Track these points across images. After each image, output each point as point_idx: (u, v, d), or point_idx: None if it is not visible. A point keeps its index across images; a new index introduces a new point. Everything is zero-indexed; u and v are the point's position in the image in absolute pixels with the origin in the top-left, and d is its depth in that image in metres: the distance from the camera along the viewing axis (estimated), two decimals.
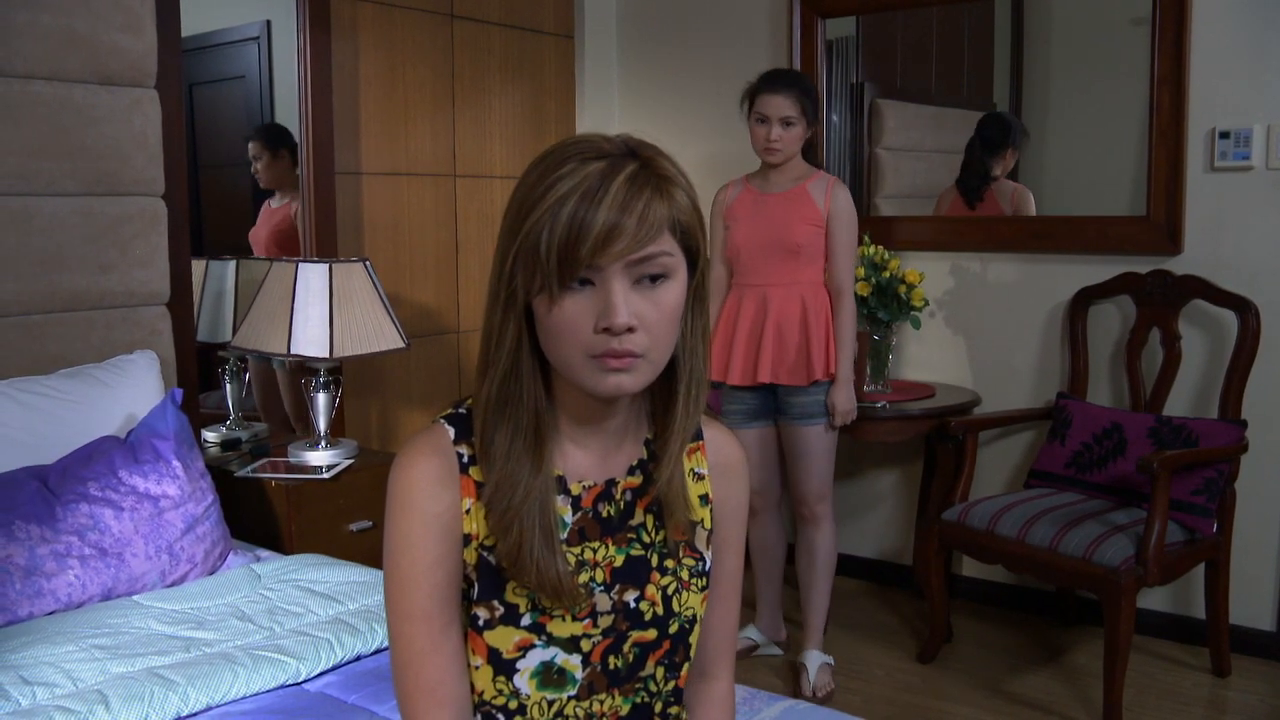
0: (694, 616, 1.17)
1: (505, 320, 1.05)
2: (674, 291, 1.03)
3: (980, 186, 3.62)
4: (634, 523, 1.14)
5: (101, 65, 2.59)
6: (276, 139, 3.29)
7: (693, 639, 1.18)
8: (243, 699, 1.83)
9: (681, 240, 1.04)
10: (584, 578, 1.10)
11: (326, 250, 3.28)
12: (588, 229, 0.97)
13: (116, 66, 2.62)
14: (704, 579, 1.17)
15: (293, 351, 2.71)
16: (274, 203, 3.32)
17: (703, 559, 1.17)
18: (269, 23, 3.33)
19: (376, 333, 2.82)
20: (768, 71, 3.08)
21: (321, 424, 2.89)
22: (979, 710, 2.95)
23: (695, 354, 1.10)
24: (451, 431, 1.10)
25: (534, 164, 1.04)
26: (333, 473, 2.76)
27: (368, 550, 2.74)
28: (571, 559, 1.10)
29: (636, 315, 1.01)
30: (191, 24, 2.86)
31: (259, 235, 3.30)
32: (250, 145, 3.25)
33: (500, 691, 1.11)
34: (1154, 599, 3.35)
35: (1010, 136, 3.60)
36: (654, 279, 1.02)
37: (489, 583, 1.09)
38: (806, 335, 2.98)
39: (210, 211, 3.30)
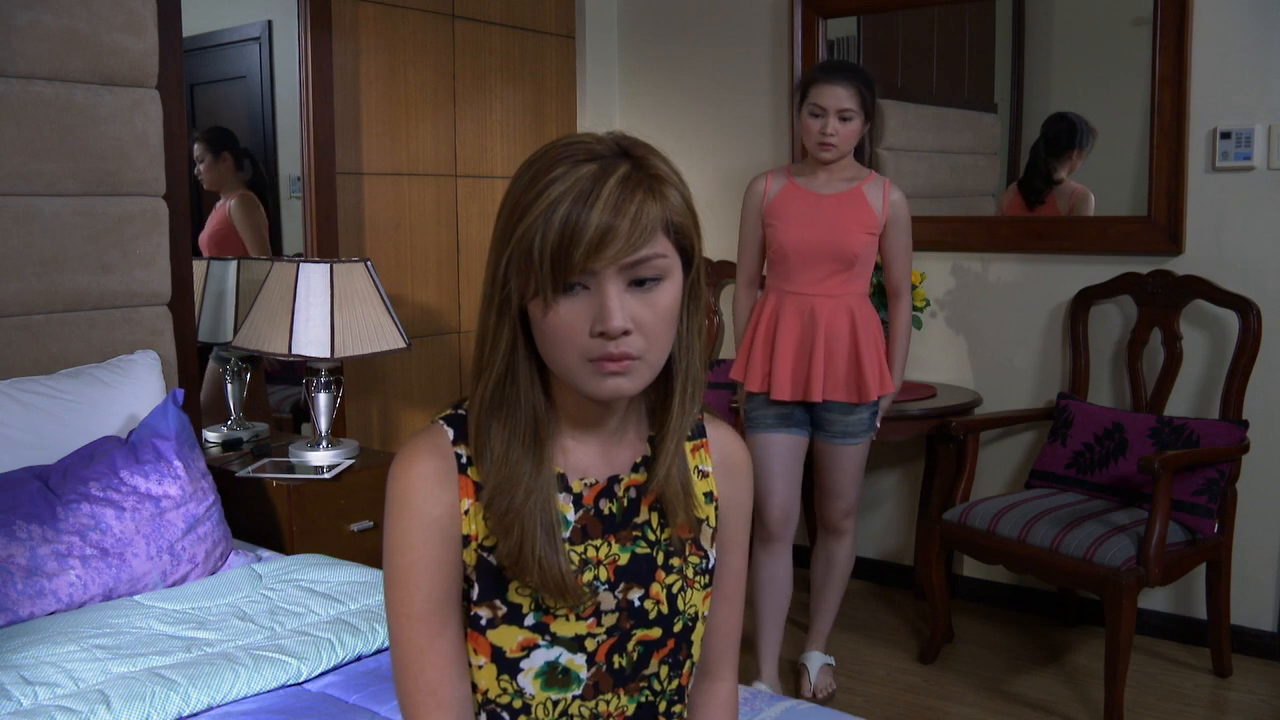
0: (697, 614, 1.17)
1: (499, 324, 1.05)
2: (669, 293, 1.03)
3: (1042, 189, 3.48)
4: (639, 520, 1.14)
5: (103, 65, 2.60)
6: (219, 142, 3.31)
7: (695, 636, 1.18)
8: (244, 699, 1.83)
9: (675, 241, 1.03)
10: (588, 576, 1.10)
11: (327, 250, 3.29)
12: (581, 233, 0.97)
13: (118, 67, 2.62)
14: (707, 576, 1.18)
15: (294, 351, 2.71)
16: (219, 204, 3.34)
17: (707, 556, 1.17)
18: (270, 23, 3.33)
19: (378, 333, 2.82)
20: (823, 62, 2.96)
21: (323, 424, 2.89)
22: (980, 710, 2.95)
23: (692, 352, 1.10)
24: (450, 432, 1.10)
25: (525, 166, 1.03)
26: (334, 473, 2.76)
27: (369, 550, 2.74)
28: (575, 558, 1.10)
29: (632, 318, 1.00)
30: (193, 24, 2.86)
31: (204, 236, 3.32)
32: (195, 147, 3.27)
33: (505, 690, 1.11)
34: (1155, 599, 3.35)
35: (1076, 138, 3.43)
36: (649, 281, 1.01)
37: (490, 583, 1.09)
38: (857, 352, 2.80)
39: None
